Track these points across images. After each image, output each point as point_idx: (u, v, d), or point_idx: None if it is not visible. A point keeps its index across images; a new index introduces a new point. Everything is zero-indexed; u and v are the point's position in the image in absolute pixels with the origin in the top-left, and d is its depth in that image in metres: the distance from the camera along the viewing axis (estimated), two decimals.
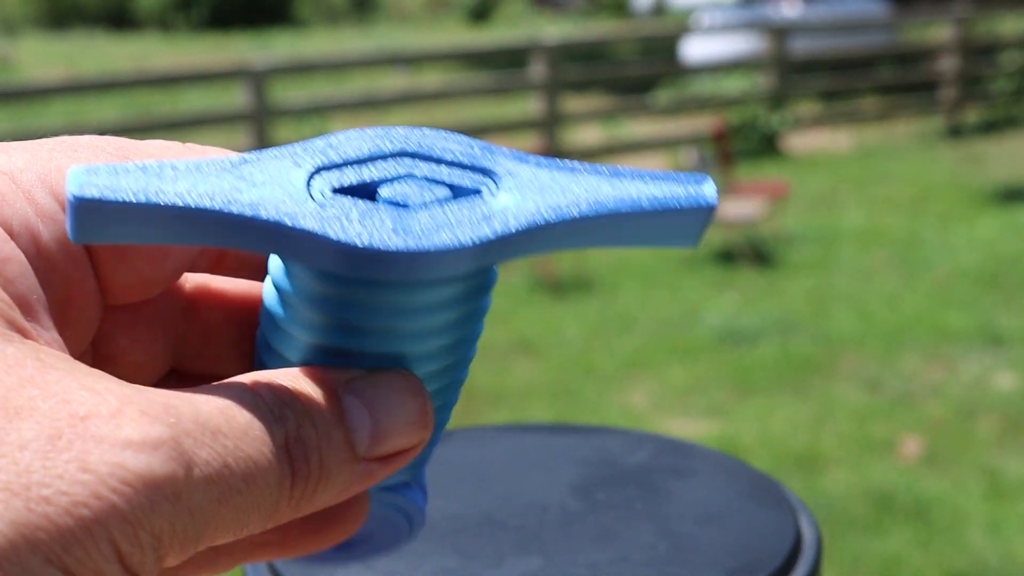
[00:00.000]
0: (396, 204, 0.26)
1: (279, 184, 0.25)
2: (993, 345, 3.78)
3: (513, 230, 0.26)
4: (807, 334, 3.95)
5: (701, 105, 7.74)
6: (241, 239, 0.25)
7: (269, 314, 0.29)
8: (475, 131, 6.95)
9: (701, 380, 3.57)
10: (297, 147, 0.27)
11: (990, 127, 8.46)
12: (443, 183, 0.27)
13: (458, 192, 0.27)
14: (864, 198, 6.17)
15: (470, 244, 0.25)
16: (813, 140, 8.07)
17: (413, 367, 0.28)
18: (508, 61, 10.00)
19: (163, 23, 22.03)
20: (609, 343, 3.98)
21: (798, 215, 5.72)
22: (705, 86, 8.73)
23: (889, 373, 3.57)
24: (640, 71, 8.65)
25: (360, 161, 0.27)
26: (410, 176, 0.27)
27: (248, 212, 0.25)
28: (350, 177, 0.26)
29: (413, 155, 0.27)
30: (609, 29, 14.12)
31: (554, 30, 15.26)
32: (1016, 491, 2.73)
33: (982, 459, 2.91)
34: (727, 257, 5.01)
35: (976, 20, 9.14)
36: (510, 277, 4.87)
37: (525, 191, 0.27)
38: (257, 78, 6.04)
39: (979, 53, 8.80)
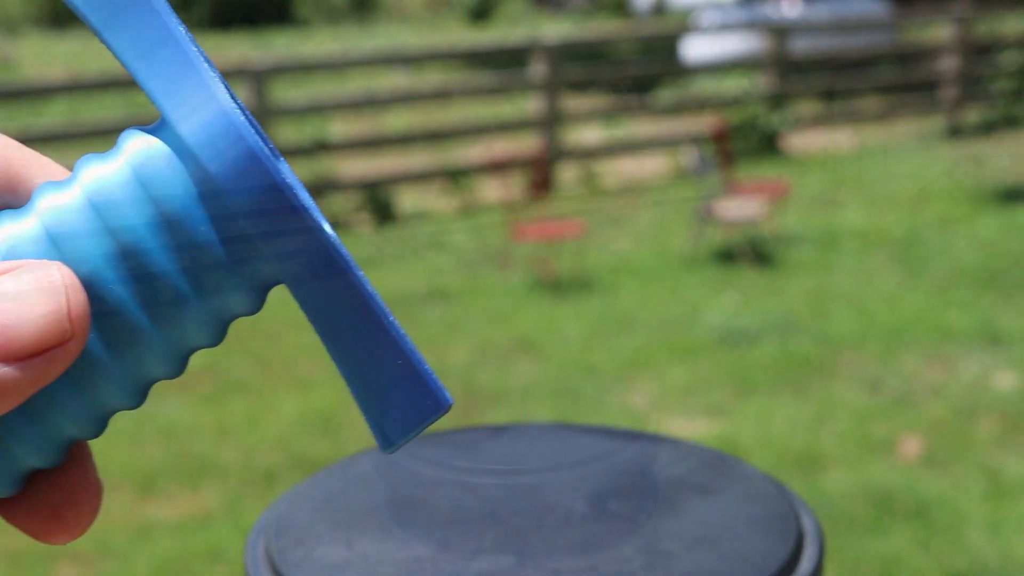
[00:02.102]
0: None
1: None
2: (993, 345, 3.77)
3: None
4: (807, 334, 3.95)
5: (701, 105, 7.74)
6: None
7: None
8: (475, 131, 6.94)
9: (701, 380, 3.56)
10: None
11: (990, 127, 8.45)
12: None
13: None
14: (864, 198, 6.17)
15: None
16: (813, 140, 8.07)
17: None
18: (508, 61, 10.00)
19: None
20: (609, 343, 3.97)
21: (798, 215, 5.72)
22: (705, 86, 8.73)
23: (889, 373, 3.57)
24: (640, 71, 8.65)
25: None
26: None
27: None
28: None
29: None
30: (609, 29, 14.11)
31: (554, 30, 15.26)
32: (1016, 491, 2.73)
33: (982, 459, 2.91)
34: (727, 257, 5.01)
35: (976, 20, 9.13)
36: (510, 277, 4.87)
37: None
38: (257, 78, 6.04)
39: (979, 53, 8.79)
